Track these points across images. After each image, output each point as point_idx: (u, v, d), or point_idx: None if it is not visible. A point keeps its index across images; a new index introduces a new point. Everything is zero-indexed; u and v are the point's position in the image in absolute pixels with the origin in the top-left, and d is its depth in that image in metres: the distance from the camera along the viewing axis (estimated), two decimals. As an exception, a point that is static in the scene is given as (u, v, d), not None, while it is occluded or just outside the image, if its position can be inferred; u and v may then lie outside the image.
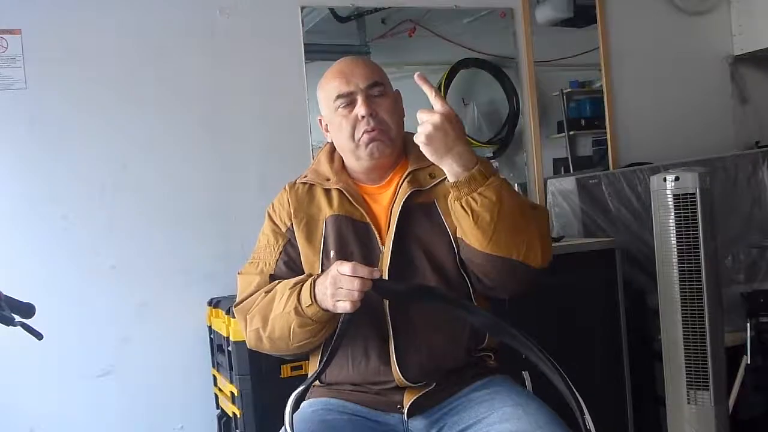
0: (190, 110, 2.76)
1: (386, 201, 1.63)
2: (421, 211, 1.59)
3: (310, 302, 1.47)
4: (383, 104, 1.59)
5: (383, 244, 1.58)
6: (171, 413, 2.69)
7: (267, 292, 1.59)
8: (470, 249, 1.49)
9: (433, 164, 1.59)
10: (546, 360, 1.36)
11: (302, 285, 1.51)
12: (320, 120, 1.70)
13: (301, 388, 1.46)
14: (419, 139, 1.40)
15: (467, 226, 1.45)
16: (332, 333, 1.52)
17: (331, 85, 1.61)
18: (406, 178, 1.62)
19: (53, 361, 2.51)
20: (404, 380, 1.52)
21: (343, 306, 1.42)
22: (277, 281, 1.60)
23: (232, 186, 2.80)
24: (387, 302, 1.54)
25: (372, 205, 1.64)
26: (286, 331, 1.53)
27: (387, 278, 1.52)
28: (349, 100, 1.59)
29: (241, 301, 1.64)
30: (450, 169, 1.42)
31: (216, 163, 2.78)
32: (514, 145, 3.26)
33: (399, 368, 1.52)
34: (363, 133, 1.58)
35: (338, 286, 1.41)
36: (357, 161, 1.63)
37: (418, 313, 1.54)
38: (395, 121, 1.62)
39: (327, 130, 1.68)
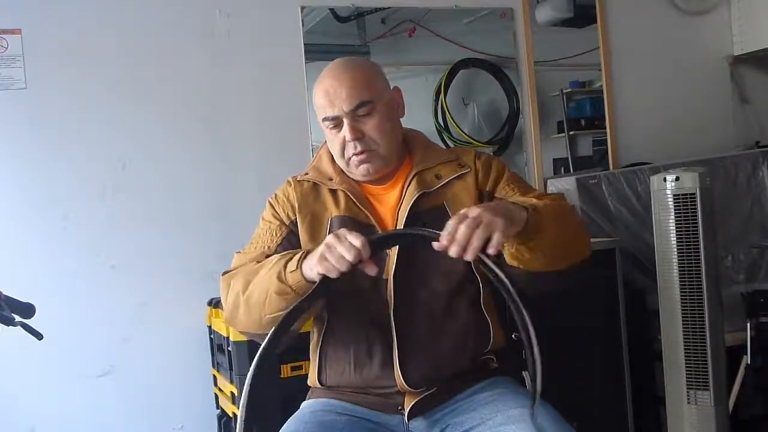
0: (190, 110, 2.76)
1: (392, 202, 1.60)
2: (429, 214, 1.56)
3: (294, 268, 1.42)
4: (371, 123, 1.55)
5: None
6: (171, 413, 2.69)
7: (258, 263, 1.55)
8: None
9: (438, 164, 1.62)
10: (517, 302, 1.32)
11: (294, 254, 1.47)
12: None
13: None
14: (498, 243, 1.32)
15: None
16: (319, 333, 1.56)
17: (318, 102, 1.57)
18: (412, 179, 1.59)
19: (53, 361, 2.51)
20: (406, 386, 1.51)
21: (326, 267, 1.34)
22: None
23: (232, 186, 2.80)
24: (392, 307, 1.52)
25: (377, 207, 1.61)
26: (263, 296, 1.47)
27: (389, 275, 1.51)
28: (335, 123, 1.56)
29: (231, 270, 1.60)
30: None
31: (216, 163, 2.78)
32: (514, 145, 3.26)
33: (402, 374, 1.50)
34: (352, 155, 1.57)
35: (332, 246, 1.34)
36: (351, 174, 1.62)
37: (423, 318, 1.53)
38: (386, 136, 1.57)
39: None
